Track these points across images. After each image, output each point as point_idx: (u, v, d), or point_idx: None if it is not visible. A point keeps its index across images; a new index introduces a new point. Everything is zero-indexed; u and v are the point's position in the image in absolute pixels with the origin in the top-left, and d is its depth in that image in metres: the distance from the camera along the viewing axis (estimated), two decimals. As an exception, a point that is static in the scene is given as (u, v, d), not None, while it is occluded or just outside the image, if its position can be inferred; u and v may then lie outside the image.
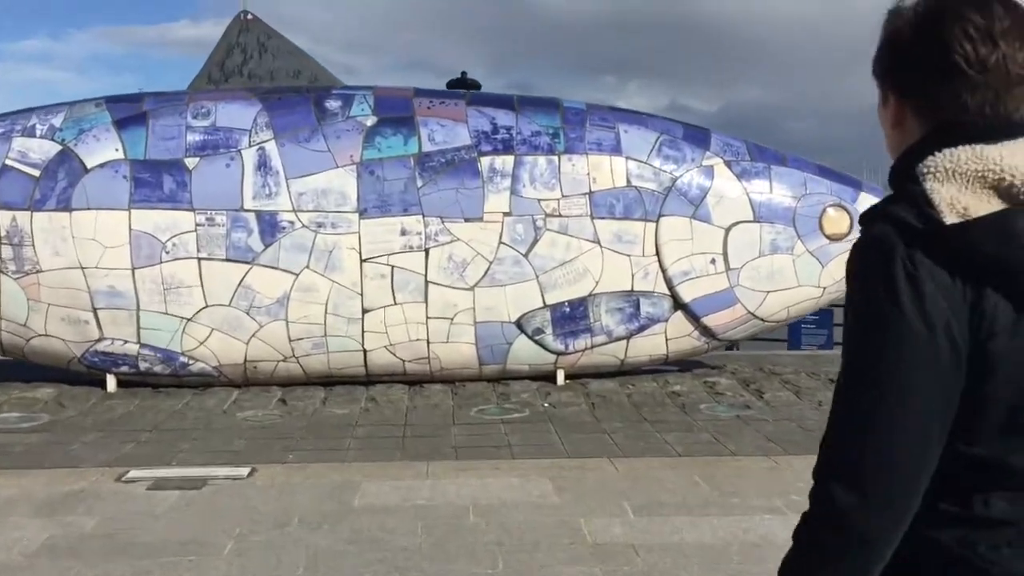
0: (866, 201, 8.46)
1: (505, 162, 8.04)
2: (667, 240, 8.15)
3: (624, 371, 8.64)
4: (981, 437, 1.34)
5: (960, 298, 1.29)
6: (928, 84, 1.38)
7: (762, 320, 8.46)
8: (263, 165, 7.89)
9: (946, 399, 1.32)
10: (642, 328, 8.30)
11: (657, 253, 8.16)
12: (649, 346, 8.41)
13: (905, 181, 1.38)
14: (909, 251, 1.30)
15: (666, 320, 8.31)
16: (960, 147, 1.34)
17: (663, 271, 8.18)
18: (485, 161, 8.03)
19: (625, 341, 8.33)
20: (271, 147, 7.92)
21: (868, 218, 1.39)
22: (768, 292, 8.29)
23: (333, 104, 8.09)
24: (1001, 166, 1.32)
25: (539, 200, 8.04)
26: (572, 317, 8.19)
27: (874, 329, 1.32)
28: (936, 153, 1.35)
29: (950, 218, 1.30)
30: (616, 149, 8.19)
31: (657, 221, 8.14)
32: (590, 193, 8.10)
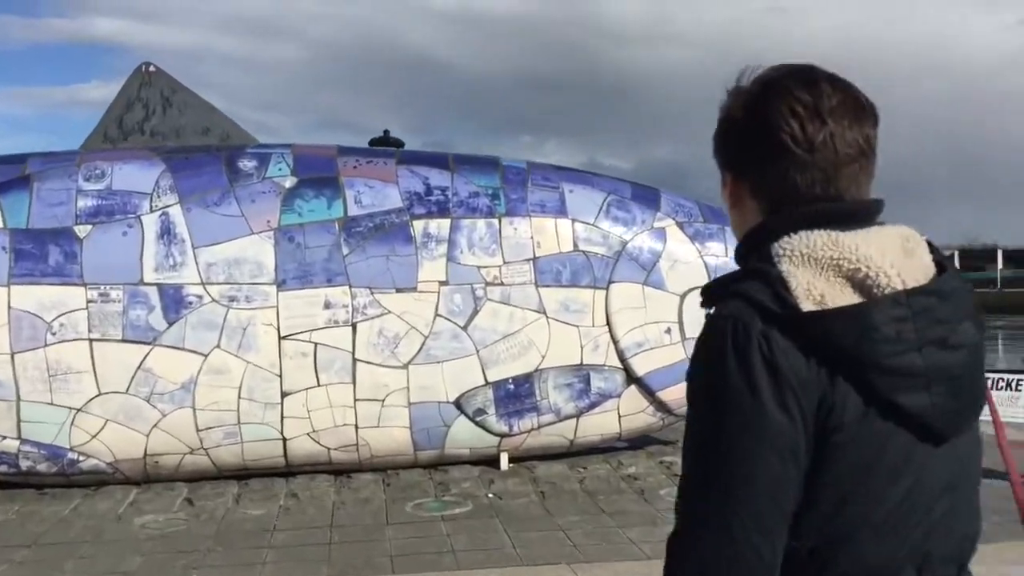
0: (825, 263, 7.96)
1: (440, 226, 7.30)
2: (618, 308, 7.48)
3: (573, 452, 7.89)
4: (809, 530, 1.29)
5: (813, 385, 1.27)
6: (759, 164, 1.38)
7: (721, 393, 7.80)
8: (166, 232, 6.98)
9: (798, 486, 1.28)
10: (593, 405, 7.58)
11: (608, 323, 7.48)
12: (601, 424, 7.68)
13: (756, 260, 1.36)
14: (765, 332, 1.26)
15: (619, 396, 7.61)
16: (816, 232, 1.33)
17: (615, 342, 7.50)
18: (418, 225, 7.28)
19: (575, 420, 7.59)
20: (176, 212, 7.02)
21: (718, 295, 1.36)
22: (727, 363, 7.65)
23: (247, 164, 7.26)
24: (856, 255, 1.31)
25: (478, 267, 7.30)
26: (517, 395, 7.42)
27: (730, 412, 1.26)
28: (792, 235, 1.33)
29: (806, 304, 1.28)
30: (561, 211, 7.53)
31: (607, 288, 7.48)
32: (534, 259, 7.41)
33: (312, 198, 7.19)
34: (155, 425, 6.99)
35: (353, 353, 7.13)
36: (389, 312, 7.16)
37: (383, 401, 7.22)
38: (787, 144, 1.34)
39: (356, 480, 7.36)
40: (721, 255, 7.70)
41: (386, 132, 16.45)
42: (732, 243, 6.59)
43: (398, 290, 7.18)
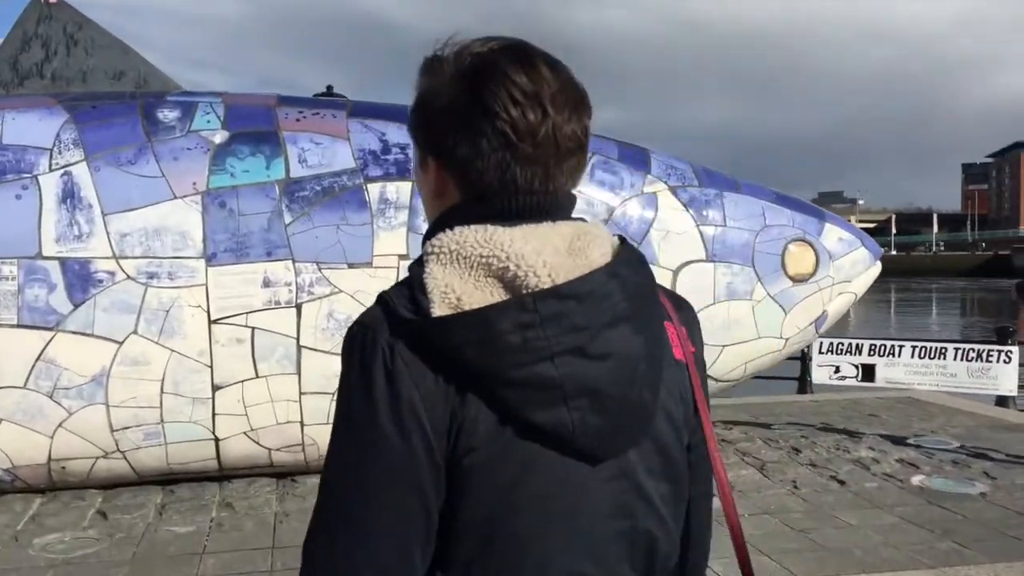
0: (831, 234, 7.14)
1: (400, 190, 6.26)
2: (604, 286, 6.54)
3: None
4: (456, 566, 1.17)
5: (442, 404, 1.14)
6: (472, 154, 1.19)
7: (715, 379, 6.97)
8: (70, 196, 5.82)
9: (427, 518, 1.15)
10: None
11: (592, 302, 6.54)
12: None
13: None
14: (391, 343, 1.15)
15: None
16: (472, 227, 1.18)
17: (600, 324, 6.57)
18: (374, 189, 6.23)
19: (553, 412, 6.66)
20: (81, 171, 5.86)
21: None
22: (724, 346, 6.81)
23: (168, 114, 6.11)
24: (507, 252, 1.16)
25: (444, 238, 6.28)
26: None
27: (350, 428, 1.17)
28: (448, 231, 1.19)
29: (440, 309, 1.14)
30: (539, 173, 6.53)
31: (591, 262, 6.53)
32: (508, 228, 6.41)
33: (247, 156, 6.08)
34: (60, 425, 5.89)
35: (298, 339, 6.09)
36: (340, 291, 6.13)
37: (334, 395, 6.19)
38: (508, 136, 1.16)
39: (302, 485, 6.36)
40: (719, 224, 6.81)
41: (329, 88, 15.19)
42: (731, 210, 5.72)
43: (350, 265, 6.14)
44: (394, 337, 1.14)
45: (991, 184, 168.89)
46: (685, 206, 6.78)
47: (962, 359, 13.41)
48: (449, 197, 1.24)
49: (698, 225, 6.77)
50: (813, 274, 6.92)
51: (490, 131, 1.17)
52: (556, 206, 1.22)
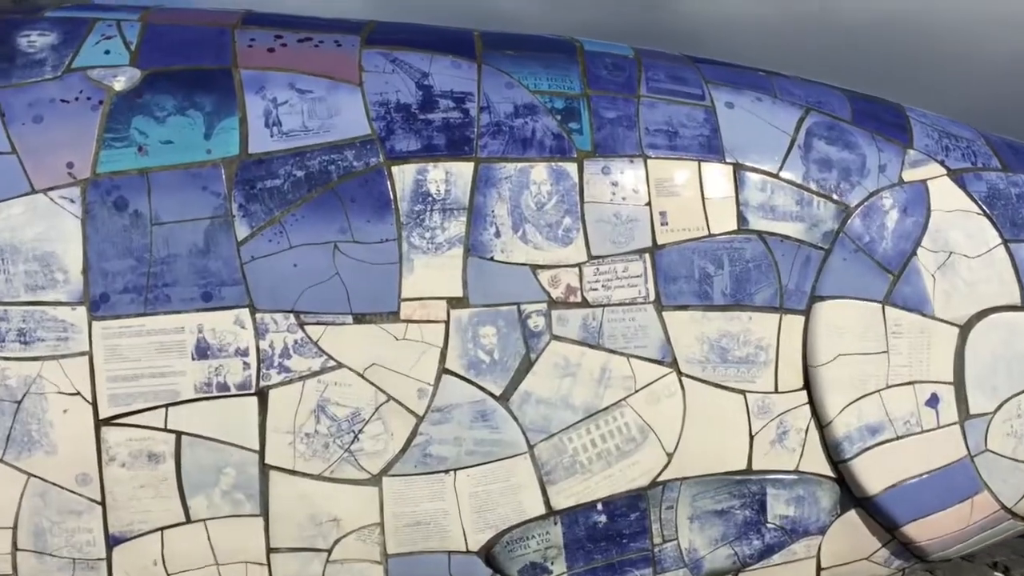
0: None
1: (453, 178, 3.44)
2: (831, 354, 3.58)
3: (716, 621, 4.08)
4: None
5: None
6: None
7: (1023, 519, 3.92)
8: None
9: None
10: (769, 551, 3.71)
11: (808, 385, 3.59)
12: (780, 583, 3.83)
13: None
14: None
15: (822, 531, 3.74)
16: None
17: (820, 425, 3.62)
18: (404, 175, 3.42)
19: (729, 576, 3.75)
20: None
21: None
22: (1049, 465, 3.75)
23: (37, 40, 3.44)
24: None
25: (534, 267, 3.43)
26: (613, 536, 3.59)
27: None
28: None
29: None
30: (709, 146, 3.61)
31: (808, 311, 3.57)
32: (653, 249, 3.50)
33: (171, 114, 3.35)
34: None
35: (261, 454, 3.35)
36: (338, 365, 3.34)
37: (330, 552, 3.44)
38: None
39: None
40: (1048, 240, 3.75)
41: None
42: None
43: (358, 319, 3.34)
44: None
45: None
46: (981, 207, 3.73)
47: None
48: None
49: (1006, 242, 3.72)
50: None
51: None
52: None
